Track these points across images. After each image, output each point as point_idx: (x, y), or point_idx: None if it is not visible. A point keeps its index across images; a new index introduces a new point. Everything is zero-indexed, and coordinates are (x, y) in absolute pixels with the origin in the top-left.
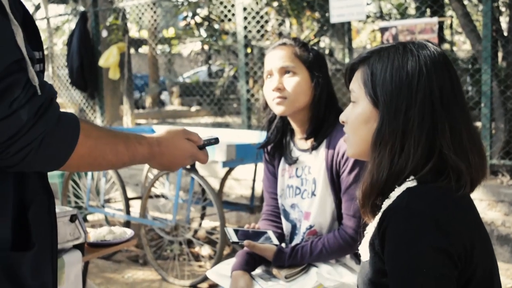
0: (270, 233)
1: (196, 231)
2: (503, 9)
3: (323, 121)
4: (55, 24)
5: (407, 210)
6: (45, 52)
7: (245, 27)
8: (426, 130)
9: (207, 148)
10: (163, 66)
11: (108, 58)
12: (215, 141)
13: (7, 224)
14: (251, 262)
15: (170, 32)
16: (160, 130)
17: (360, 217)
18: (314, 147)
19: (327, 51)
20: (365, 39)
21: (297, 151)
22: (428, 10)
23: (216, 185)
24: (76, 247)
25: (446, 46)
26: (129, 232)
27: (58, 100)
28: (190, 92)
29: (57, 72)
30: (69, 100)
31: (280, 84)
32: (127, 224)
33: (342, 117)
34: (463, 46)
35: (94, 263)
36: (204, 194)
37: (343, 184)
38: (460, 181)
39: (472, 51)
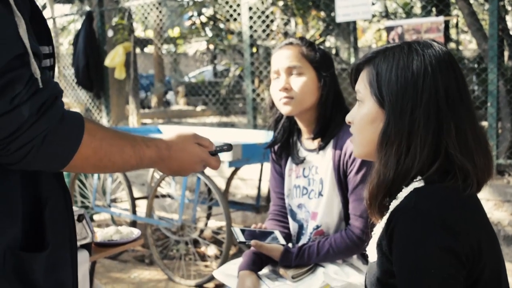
0: (277, 233)
1: (202, 231)
2: (509, 8)
3: (330, 121)
4: (61, 24)
5: (415, 211)
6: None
7: (251, 27)
8: (432, 130)
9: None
10: (169, 65)
11: (114, 58)
12: (228, 148)
13: (17, 224)
14: (258, 262)
15: (175, 32)
16: (170, 133)
17: (367, 218)
18: (321, 147)
19: (332, 51)
20: (370, 38)
21: (304, 151)
22: (434, 9)
23: (222, 185)
24: (83, 246)
25: (452, 45)
26: (136, 232)
27: (64, 99)
28: (196, 91)
29: (63, 72)
30: (75, 100)
31: (287, 84)
32: (133, 223)
33: (348, 118)
34: (469, 45)
35: (100, 262)
36: (210, 194)
37: (350, 184)
38: (467, 181)
39: (478, 50)
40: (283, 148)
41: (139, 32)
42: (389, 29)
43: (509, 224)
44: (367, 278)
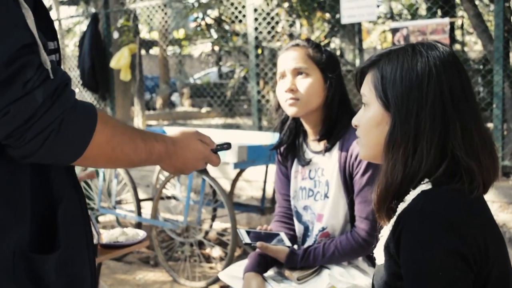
0: (283, 235)
1: (207, 233)
2: None
3: (336, 123)
4: (67, 25)
5: (422, 213)
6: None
7: (256, 28)
8: (438, 131)
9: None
10: (174, 67)
11: (120, 60)
12: (228, 146)
13: (26, 226)
14: (263, 263)
15: (180, 33)
16: (173, 131)
17: (372, 220)
18: (327, 149)
19: (337, 52)
20: (375, 40)
21: (310, 153)
22: (439, 11)
23: (227, 186)
24: None
25: (457, 46)
26: (141, 234)
27: None
28: (201, 93)
29: (68, 74)
30: None
31: (293, 86)
32: (138, 225)
33: (354, 121)
34: (474, 47)
35: (105, 264)
36: (215, 195)
37: (356, 187)
38: (474, 183)
39: (484, 51)
40: (289, 149)
41: (144, 34)
42: (394, 31)
43: None
44: (375, 280)
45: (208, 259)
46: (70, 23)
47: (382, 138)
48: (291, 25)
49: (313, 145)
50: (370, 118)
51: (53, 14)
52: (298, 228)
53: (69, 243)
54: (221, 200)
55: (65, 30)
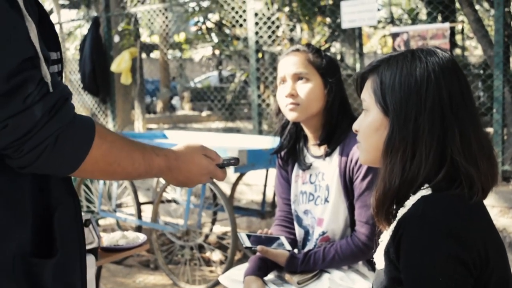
0: (283, 239)
1: (207, 236)
2: None
3: (336, 127)
4: (68, 29)
5: (422, 219)
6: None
7: (257, 33)
8: (437, 137)
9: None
10: (174, 71)
11: (120, 63)
12: (235, 161)
13: (26, 230)
14: (263, 267)
15: (181, 37)
16: (178, 144)
17: (373, 224)
18: (328, 154)
19: (338, 57)
20: (376, 44)
21: (311, 157)
22: (440, 16)
23: (227, 190)
24: (89, 251)
25: (457, 51)
26: (141, 237)
27: None
28: (201, 97)
29: (69, 77)
30: (81, 104)
31: (293, 90)
32: (138, 228)
33: (355, 126)
34: (475, 52)
35: (105, 267)
36: (216, 199)
37: (356, 191)
38: (473, 188)
39: (484, 56)
40: (290, 154)
41: (145, 37)
42: (394, 35)
43: None
44: (375, 285)
45: (208, 262)
46: (71, 27)
47: (381, 143)
48: (291, 30)
49: (313, 149)
50: (370, 123)
51: (54, 18)
52: (299, 232)
53: (65, 249)
54: (221, 203)
55: (66, 33)
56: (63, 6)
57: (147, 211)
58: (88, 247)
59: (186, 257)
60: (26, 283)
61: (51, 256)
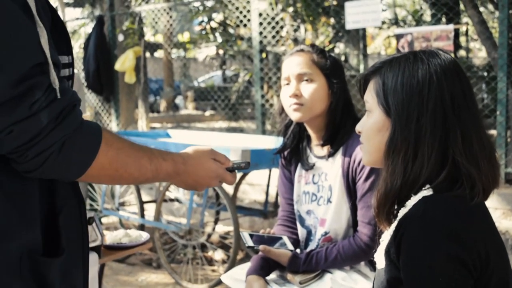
0: (285, 239)
1: (209, 235)
2: None
3: (339, 128)
4: (72, 27)
5: (423, 219)
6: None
7: (261, 33)
8: (439, 138)
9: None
10: (178, 70)
11: (124, 62)
12: (246, 165)
13: (34, 230)
14: (266, 267)
15: (185, 37)
16: (187, 148)
17: (375, 225)
18: (331, 154)
19: (342, 57)
20: (380, 45)
21: (314, 158)
22: (444, 17)
23: (230, 190)
24: (92, 249)
25: (461, 53)
26: (144, 236)
27: None
28: (205, 96)
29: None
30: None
31: (298, 91)
32: (141, 227)
33: (358, 127)
34: (479, 53)
35: (108, 265)
36: (218, 198)
37: (359, 192)
38: (474, 189)
39: (488, 58)
40: (293, 154)
41: (149, 36)
42: (398, 37)
43: None
44: (375, 284)
45: (210, 261)
46: (76, 25)
47: (383, 144)
48: (295, 30)
49: (316, 150)
50: (372, 124)
51: None
52: (301, 232)
53: (70, 249)
54: (224, 203)
55: (71, 32)
56: (67, 4)
57: (150, 210)
58: (91, 245)
59: (188, 256)
60: (33, 282)
61: (57, 255)
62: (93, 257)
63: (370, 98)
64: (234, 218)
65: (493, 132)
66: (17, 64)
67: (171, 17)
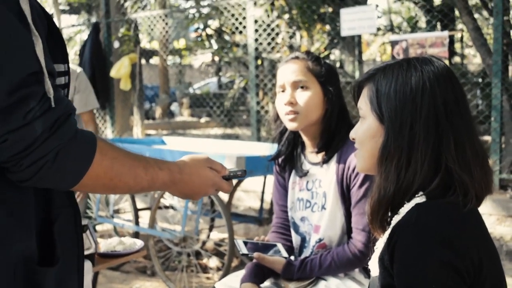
0: (280, 246)
1: (204, 243)
2: None
3: (334, 135)
4: (68, 34)
5: (416, 226)
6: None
7: (256, 39)
8: (432, 144)
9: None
10: (174, 77)
11: (120, 69)
12: (242, 173)
13: (32, 238)
14: (260, 274)
15: (181, 44)
16: (183, 157)
17: (369, 231)
18: (325, 161)
19: (337, 64)
20: (375, 52)
21: (308, 164)
22: (439, 24)
23: (225, 197)
24: (86, 257)
25: (456, 59)
26: (139, 243)
27: None
28: (200, 103)
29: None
30: None
31: (293, 99)
32: (136, 234)
33: (351, 134)
34: (473, 60)
35: (102, 273)
36: (213, 205)
37: (353, 198)
38: (467, 196)
39: (483, 64)
40: (287, 160)
41: (145, 43)
42: (394, 43)
43: None
44: None
45: (205, 269)
46: (71, 32)
47: (377, 150)
48: (291, 37)
49: (311, 156)
50: (366, 130)
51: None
52: (295, 239)
53: (65, 258)
54: (218, 210)
55: (66, 39)
56: (63, 11)
57: (144, 217)
58: (85, 253)
59: (183, 263)
60: None
61: (52, 264)
62: (87, 265)
63: (364, 104)
64: (229, 225)
65: (487, 138)
66: (11, 73)
67: (166, 24)
